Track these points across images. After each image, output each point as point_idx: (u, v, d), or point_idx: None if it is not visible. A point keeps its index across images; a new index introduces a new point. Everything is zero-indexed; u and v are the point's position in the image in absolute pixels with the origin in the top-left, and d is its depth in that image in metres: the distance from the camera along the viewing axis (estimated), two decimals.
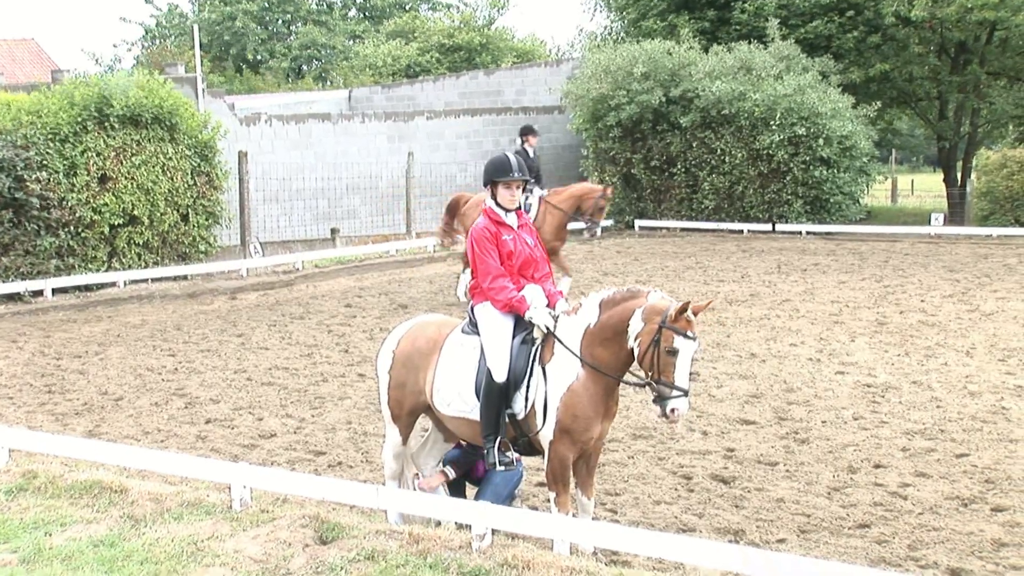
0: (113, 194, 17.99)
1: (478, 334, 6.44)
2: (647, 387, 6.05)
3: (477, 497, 6.74)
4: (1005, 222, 23.95)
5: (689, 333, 5.85)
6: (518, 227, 6.55)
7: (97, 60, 51.89)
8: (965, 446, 8.80)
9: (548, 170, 28.93)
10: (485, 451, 6.39)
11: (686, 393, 5.91)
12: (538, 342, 6.29)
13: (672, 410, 5.89)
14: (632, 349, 6.02)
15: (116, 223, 18.17)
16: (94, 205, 17.77)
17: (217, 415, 10.22)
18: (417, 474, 7.05)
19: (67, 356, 13.16)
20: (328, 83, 52.53)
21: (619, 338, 6.05)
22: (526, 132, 16.47)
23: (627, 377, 6.24)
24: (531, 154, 16.05)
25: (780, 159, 24.80)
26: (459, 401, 6.45)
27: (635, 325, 5.99)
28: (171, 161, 18.98)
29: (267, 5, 53.48)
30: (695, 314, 5.90)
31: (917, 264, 19.98)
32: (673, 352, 5.83)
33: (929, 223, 25.10)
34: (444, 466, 7.01)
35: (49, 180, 17.18)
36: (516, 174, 6.42)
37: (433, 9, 55.75)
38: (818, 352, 12.47)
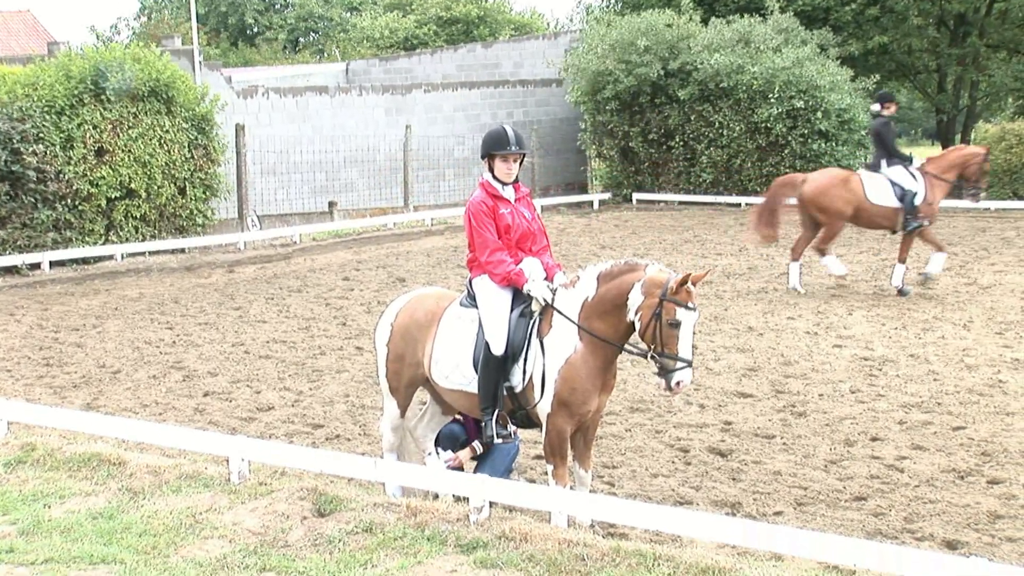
0: (110, 167, 17.91)
1: (476, 307, 6.42)
2: (651, 360, 6.01)
3: (475, 470, 6.75)
4: (1003, 195, 23.89)
5: (690, 304, 5.85)
6: (516, 200, 6.51)
7: (98, 35, 51.63)
8: (962, 419, 8.80)
9: (545, 143, 28.91)
10: (483, 424, 6.39)
11: (690, 364, 5.90)
12: (536, 315, 6.27)
13: (677, 383, 5.87)
14: (632, 323, 6.01)
15: (113, 196, 18.10)
16: (91, 178, 17.69)
17: (215, 388, 10.21)
18: (430, 452, 7.06)
19: (65, 329, 13.14)
20: (325, 56, 52.28)
21: (617, 311, 6.03)
22: (886, 99, 14.50)
23: (628, 348, 6.22)
24: (890, 122, 14.36)
25: (778, 132, 24.68)
26: (457, 374, 6.44)
27: (635, 299, 5.96)
28: (168, 134, 18.88)
29: None
30: (694, 284, 5.90)
31: None
32: (675, 324, 5.82)
33: None
34: (472, 442, 7.02)
35: (46, 153, 17.09)
36: (513, 147, 6.38)
37: None
38: (815, 325, 12.46)
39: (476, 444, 6.97)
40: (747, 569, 5.36)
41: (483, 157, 6.50)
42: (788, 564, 5.56)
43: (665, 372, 5.91)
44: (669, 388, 5.93)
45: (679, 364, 5.86)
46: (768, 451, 8.09)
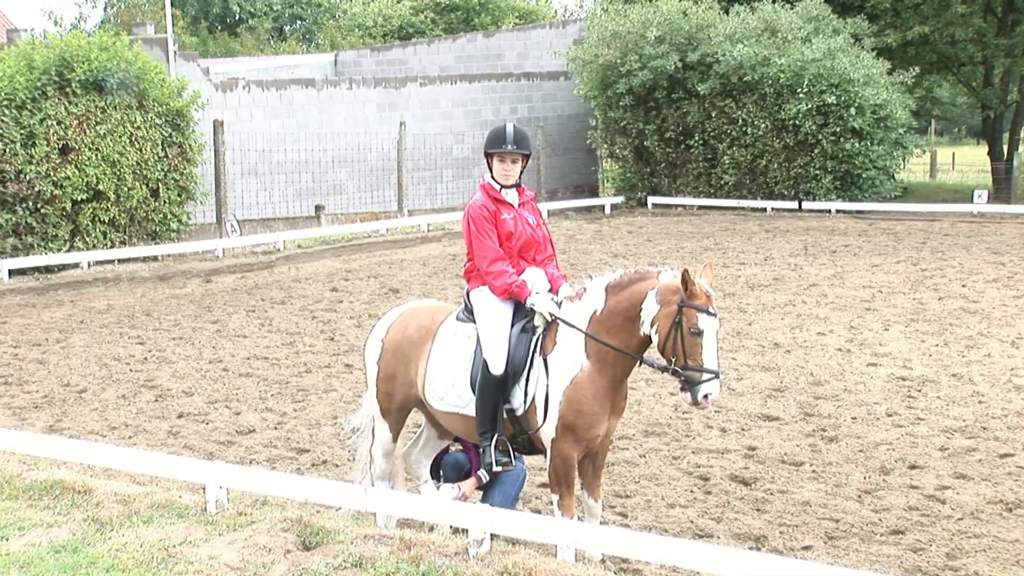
0: (76, 167, 17.97)
1: (474, 322, 6.43)
2: (672, 375, 5.99)
3: (484, 498, 6.76)
4: None
5: (711, 309, 5.87)
6: (520, 204, 6.53)
7: (56, 21, 51.78)
8: (1010, 445, 8.80)
9: (553, 141, 28.99)
10: (481, 450, 6.39)
11: (717, 375, 5.90)
12: (539, 331, 6.28)
13: (706, 396, 5.87)
14: (646, 336, 6.01)
15: (79, 198, 18.16)
16: (55, 179, 17.76)
17: (190, 409, 10.23)
18: (426, 480, 7.07)
19: (25, 344, 13.17)
20: (313, 45, 52.45)
21: (629, 325, 6.04)
22: None
23: (646, 360, 6.22)
24: None
25: (807, 130, 24.74)
26: (453, 395, 6.44)
27: (649, 308, 5.97)
28: (139, 131, 18.95)
29: None
30: (708, 283, 5.94)
31: (958, 246, 19.96)
32: (699, 332, 5.83)
33: (972, 200, 25.06)
34: (477, 471, 7.04)
35: (5, 151, 17.16)
36: (510, 146, 6.40)
37: None
38: (848, 342, 12.47)
39: (481, 473, 6.97)
40: None
41: (485, 156, 6.54)
42: None
43: (691, 385, 5.90)
44: (696, 403, 5.92)
45: (706, 375, 5.86)
46: (796, 479, 8.09)
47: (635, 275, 6.14)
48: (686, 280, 5.83)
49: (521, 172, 6.53)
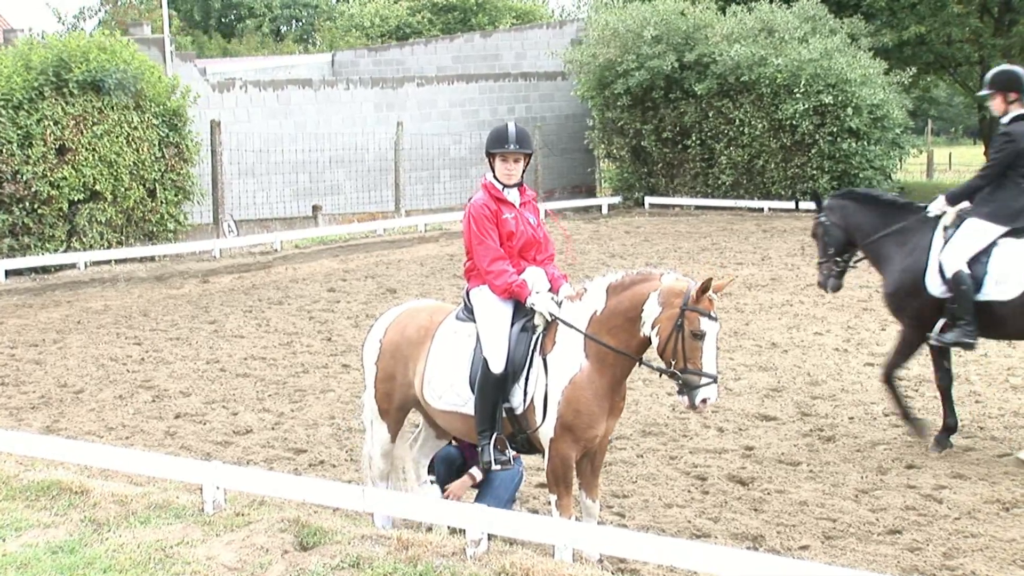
0: (72, 167, 17.96)
1: (474, 321, 6.43)
2: (670, 377, 6.02)
3: (477, 500, 6.76)
4: None
5: (712, 314, 5.89)
6: (521, 204, 6.54)
7: (60, 18, 51.79)
8: (1007, 445, 8.80)
9: (551, 141, 28.99)
10: (480, 449, 6.39)
11: (715, 379, 5.94)
12: (539, 330, 6.28)
13: (704, 400, 5.89)
14: (646, 338, 6.03)
15: (76, 199, 18.15)
16: (51, 179, 17.74)
17: (188, 409, 10.22)
18: (425, 480, 7.08)
19: (22, 345, 13.16)
20: (311, 46, 52.42)
21: (629, 325, 6.04)
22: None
23: (646, 363, 6.24)
24: None
25: (804, 130, 24.74)
26: (452, 394, 6.44)
27: (651, 310, 5.98)
28: (136, 131, 18.94)
29: None
30: (716, 293, 5.94)
31: None
32: (700, 336, 5.85)
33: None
34: (470, 469, 7.04)
35: (1, 151, 17.14)
36: (512, 146, 6.40)
37: None
38: (845, 342, 12.47)
39: (474, 471, 6.97)
40: None
41: (487, 156, 6.55)
42: None
43: (689, 389, 5.92)
44: (694, 406, 5.94)
45: (704, 379, 5.88)
46: (793, 479, 8.09)
47: (637, 276, 6.14)
48: (705, 288, 5.84)
49: (523, 171, 6.54)
